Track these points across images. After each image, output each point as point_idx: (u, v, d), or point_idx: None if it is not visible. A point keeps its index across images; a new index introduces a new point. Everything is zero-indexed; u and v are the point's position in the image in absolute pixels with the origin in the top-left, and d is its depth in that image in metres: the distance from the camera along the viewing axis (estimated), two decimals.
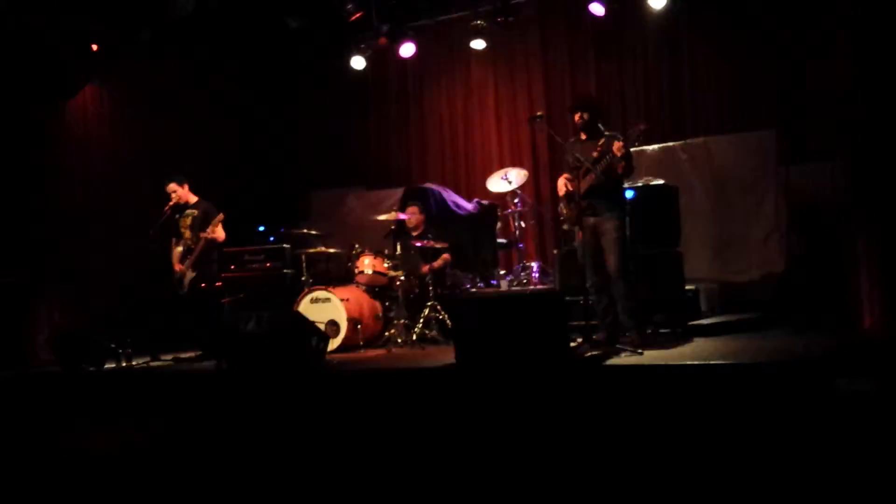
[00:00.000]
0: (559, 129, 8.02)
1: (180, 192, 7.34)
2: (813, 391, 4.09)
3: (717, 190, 8.15)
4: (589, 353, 5.35)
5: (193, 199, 7.45)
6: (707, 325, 6.32)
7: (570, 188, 5.83)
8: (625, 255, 5.68)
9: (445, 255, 7.71)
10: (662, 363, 4.72)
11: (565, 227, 6.08)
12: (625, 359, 5.11)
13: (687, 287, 6.63)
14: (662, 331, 6.24)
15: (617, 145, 5.50)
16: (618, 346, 5.40)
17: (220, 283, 7.46)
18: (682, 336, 6.09)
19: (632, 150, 5.69)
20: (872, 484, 3.47)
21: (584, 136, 5.93)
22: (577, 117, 5.94)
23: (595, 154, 5.71)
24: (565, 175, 5.95)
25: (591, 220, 5.76)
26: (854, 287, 5.60)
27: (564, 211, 5.98)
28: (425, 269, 7.43)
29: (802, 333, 5.66)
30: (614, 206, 5.75)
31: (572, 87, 9.32)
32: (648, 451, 4.21)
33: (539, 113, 6.70)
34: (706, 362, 4.54)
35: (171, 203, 7.31)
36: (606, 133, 5.81)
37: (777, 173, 7.60)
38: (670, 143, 8.47)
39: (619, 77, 9.06)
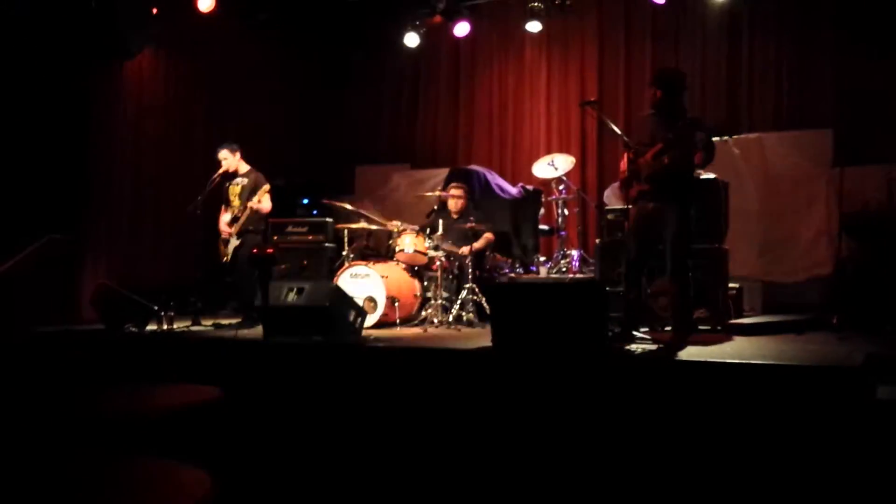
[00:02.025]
0: (611, 116, 7.93)
1: (231, 160, 7.39)
2: (853, 398, 4.02)
3: (768, 188, 8.02)
4: (627, 346, 5.30)
5: (245, 167, 7.48)
6: (748, 324, 6.23)
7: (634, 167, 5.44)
8: (684, 252, 5.38)
9: (488, 235, 7.70)
10: (700, 360, 4.66)
11: (610, 216, 5.98)
12: (662, 352, 5.05)
13: (731, 284, 6.54)
14: (702, 327, 6.15)
15: (699, 136, 5.21)
16: (653, 339, 5.34)
17: (271, 250, 7.48)
18: (723, 334, 6.00)
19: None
20: None
21: (661, 114, 5.49)
22: (652, 93, 5.55)
23: (670, 135, 5.30)
24: (629, 153, 5.51)
25: (651, 205, 5.43)
26: None
27: (622, 191, 5.63)
28: (466, 250, 7.43)
29: (846, 338, 5.55)
30: (679, 195, 5.38)
31: (627, 74, 9.21)
32: (680, 446, 4.19)
33: (592, 99, 6.58)
34: (745, 361, 4.47)
35: (220, 170, 7.36)
36: (688, 116, 5.48)
37: (831, 174, 7.44)
38: (723, 137, 8.30)
39: (676, 67, 8.91)
